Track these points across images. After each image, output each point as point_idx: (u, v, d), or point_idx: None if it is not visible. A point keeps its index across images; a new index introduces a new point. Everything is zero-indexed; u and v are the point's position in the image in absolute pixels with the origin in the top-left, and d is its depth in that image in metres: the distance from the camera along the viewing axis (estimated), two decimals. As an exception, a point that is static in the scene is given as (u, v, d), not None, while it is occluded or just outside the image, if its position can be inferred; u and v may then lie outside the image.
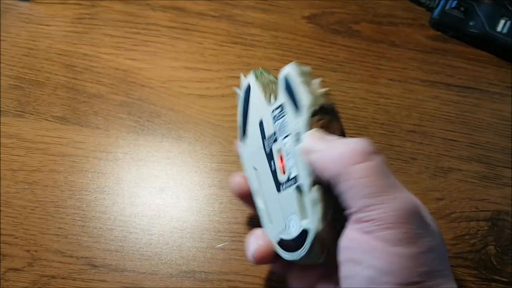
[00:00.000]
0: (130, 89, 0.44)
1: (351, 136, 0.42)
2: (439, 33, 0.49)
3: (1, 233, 0.37)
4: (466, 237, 0.39)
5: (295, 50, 0.47)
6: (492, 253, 0.39)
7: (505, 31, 0.47)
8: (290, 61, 0.46)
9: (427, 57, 0.48)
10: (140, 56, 0.45)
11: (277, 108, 0.31)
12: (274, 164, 0.30)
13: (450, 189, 0.41)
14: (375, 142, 0.43)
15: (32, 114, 0.42)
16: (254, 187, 0.32)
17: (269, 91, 0.33)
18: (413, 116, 0.44)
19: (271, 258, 0.30)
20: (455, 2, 0.48)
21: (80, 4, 0.48)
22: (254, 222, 0.39)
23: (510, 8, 0.48)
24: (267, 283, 0.37)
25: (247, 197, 0.33)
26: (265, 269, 0.37)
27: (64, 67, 0.44)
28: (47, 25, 0.46)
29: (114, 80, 0.44)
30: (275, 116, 0.31)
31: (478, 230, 0.40)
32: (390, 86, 0.46)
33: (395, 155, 0.42)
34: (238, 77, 0.45)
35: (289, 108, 0.30)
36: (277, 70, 0.45)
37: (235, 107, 0.43)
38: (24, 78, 0.44)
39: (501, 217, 0.40)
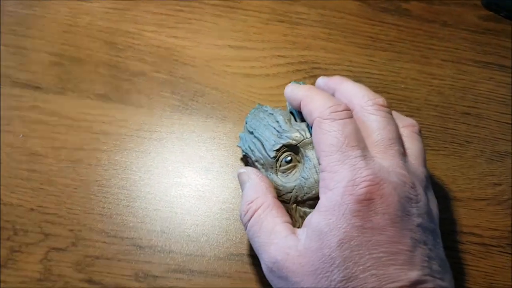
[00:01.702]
0: (173, 67, 0.42)
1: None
2: (492, 13, 0.47)
3: (45, 211, 0.36)
4: (527, 224, 0.37)
5: (343, 29, 0.45)
6: (554, 241, 0.37)
7: None
8: (337, 40, 0.44)
9: (480, 38, 0.46)
10: (183, 34, 0.44)
11: None
12: None
13: (507, 174, 0.39)
14: (428, 125, 0.41)
15: (73, 92, 0.41)
16: None
17: None
18: (468, 98, 0.42)
19: None
20: (510, -19, 0.46)
21: (120, -19, 0.46)
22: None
23: None
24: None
25: None
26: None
27: (105, 44, 0.43)
28: (88, 1, 0.45)
29: (157, 58, 0.43)
30: None
31: (539, 217, 0.38)
32: (443, 66, 0.44)
33: (450, 138, 0.41)
34: (284, 56, 0.44)
35: None
36: (324, 49, 0.44)
37: (280, 87, 0.42)
38: (64, 54, 0.43)
39: None
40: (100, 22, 0.44)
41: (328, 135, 0.29)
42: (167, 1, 0.46)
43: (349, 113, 0.30)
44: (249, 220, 0.31)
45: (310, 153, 0.33)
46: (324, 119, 0.30)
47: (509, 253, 0.36)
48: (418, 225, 0.27)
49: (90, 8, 0.45)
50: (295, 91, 0.34)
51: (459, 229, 0.37)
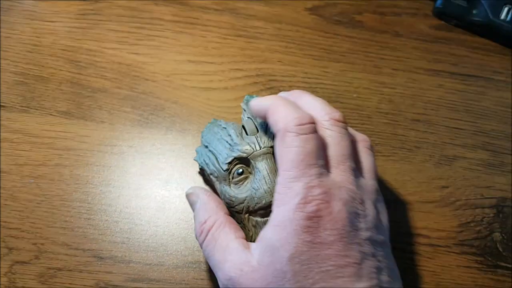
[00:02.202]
0: (134, 83, 0.44)
1: (356, 127, 0.42)
2: (443, 22, 0.49)
3: (8, 226, 0.38)
4: (472, 224, 0.39)
5: (298, 42, 0.47)
6: (498, 239, 0.39)
7: (508, 18, 0.47)
8: (293, 53, 0.46)
9: (431, 46, 0.48)
10: (144, 50, 0.46)
11: None
12: None
13: (455, 177, 0.41)
14: (379, 132, 0.43)
15: (37, 109, 0.42)
16: None
17: None
18: (418, 105, 0.44)
19: None
20: (458, -9, 0.48)
21: (83, 0, 0.48)
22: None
23: (514, -4, 0.48)
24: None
25: None
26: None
27: (68, 63, 0.45)
28: (51, 21, 0.47)
29: (118, 74, 0.44)
30: None
31: (484, 217, 0.40)
32: (394, 75, 0.46)
33: (400, 144, 0.42)
34: (241, 70, 0.45)
35: None
36: (281, 62, 0.46)
37: (238, 99, 0.43)
38: (29, 74, 0.44)
39: (506, 204, 0.40)
40: (63, 41, 0.46)
41: (290, 150, 0.30)
42: (129, 18, 0.47)
43: (312, 127, 0.31)
44: (204, 240, 0.32)
45: (259, 164, 0.35)
46: (288, 131, 0.31)
47: (456, 253, 0.38)
48: (367, 239, 0.29)
49: (54, 27, 0.46)
50: (262, 101, 0.35)
51: (408, 231, 0.39)
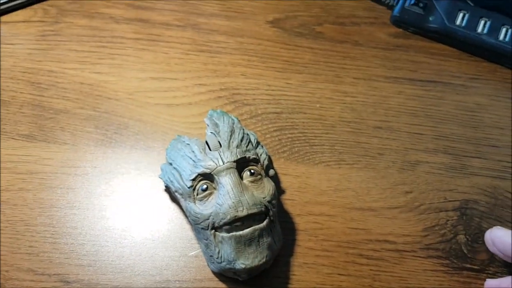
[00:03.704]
0: (97, 102, 0.44)
1: (320, 137, 0.43)
2: (401, 30, 0.50)
3: (-29, 255, 0.37)
4: (436, 228, 0.40)
5: (261, 55, 0.47)
6: (463, 241, 0.39)
7: (464, 24, 0.48)
8: (256, 66, 0.47)
9: (390, 54, 0.49)
10: (106, 69, 0.45)
11: None
12: None
13: (418, 182, 0.42)
14: (342, 140, 0.43)
15: (-2, 134, 0.42)
16: None
17: None
18: (379, 112, 0.45)
19: None
20: (414, -1, 0.49)
21: (43, 21, 0.48)
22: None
23: (468, 2, 0.49)
24: (243, 287, 0.37)
25: None
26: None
27: (29, 85, 0.44)
28: (11, 44, 0.46)
29: (80, 94, 0.44)
30: None
31: (448, 220, 0.40)
32: (355, 84, 0.46)
33: (363, 151, 0.43)
34: (205, 84, 0.46)
35: None
36: (244, 75, 0.46)
37: (202, 114, 0.43)
38: (-11, 98, 0.43)
39: (469, 206, 0.41)
40: (23, 64, 0.45)
41: None
42: (90, 37, 0.47)
43: None
44: None
45: (223, 179, 0.35)
46: None
47: (422, 257, 0.39)
48: None
49: (14, 50, 0.46)
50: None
51: (374, 238, 0.39)
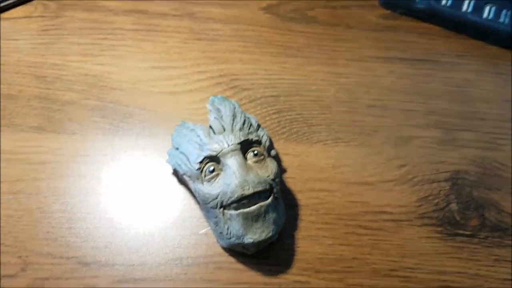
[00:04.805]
0: (102, 93, 0.45)
1: (317, 117, 0.45)
2: (390, 11, 0.52)
3: (-9, 243, 0.39)
4: (430, 198, 0.42)
5: (256, 41, 0.49)
6: (455, 209, 0.42)
7: (449, 3, 0.50)
8: (252, 52, 0.48)
9: (380, 35, 0.51)
10: (108, 60, 0.47)
11: None
12: None
13: (411, 156, 0.44)
14: (338, 120, 0.46)
15: (8, 127, 0.43)
16: None
17: None
18: (372, 91, 0.47)
19: None
20: (401, -19, 0.51)
21: (44, 16, 0.49)
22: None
23: (453, -18, 0.51)
24: (253, 261, 0.39)
25: None
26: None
27: (35, 79, 0.46)
28: (15, 40, 0.48)
29: (85, 86, 0.46)
30: None
31: (440, 190, 0.43)
32: (348, 66, 0.48)
33: (358, 129, 0.45)
34: (204, 72, 0.47)
35: None
36: (241, 61, 0.48)
37: (203, 100, 0.45)
38: (-3, 93, 0.45)
39: (460, 176, 0.44)
40: (28, 58, 0.47)
41: None
42: (91, 30, 0.49)
43: None
44: None
45: (229, 161, 0.37)
46: None
47: (417, 225, 0.41)
48: None
49: (17, 45, 0.47)
50: None
51: (371, 210, 0.42)
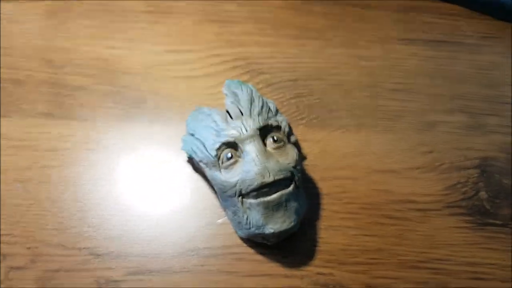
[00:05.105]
0: (113, 77, 0.44)
1: (339, 102, 0.43)
2: (412, -9, 0.50)
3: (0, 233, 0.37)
4: (458, 186, 0.40)
5: (273, 23, 0.47)
6: (484, 198, 0.40)
7: (475, -17, 0.48)
8: (269, 34, 0.46)
9: (402, 16, 0.48)
10: (119, 43, 0.45)
11: None
12: None
13: (437, 142, 0.42)
14: (361, 105, 0.43)
15: (17, 113, 0.42)
16: None
17: None
18: (395, 75, 0.45)
19: None
20: (424, -41, 0.48)
21: (50, -1, 0.47)
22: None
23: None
24: (273, 252, 0.37)
25: None
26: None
27: (43, 63, 0.44)
28: (20, 22, 0.46)
29: (96, 70, 0.44)
30: None
31: (468, 178, 0.41)
32: (370, 48, 0.46)
33: (381, 114, 0.43)
34: (219, 55, 0.45)
35: None
36: (258, 44, 0.46)
37: (219, 85, 0.43)
38: (4, 78, 0.43)
39: (488, 163, 0.41)
40: (34, 41, 0.45)
41: None
42: (100, 12, 0.47)
43: None
44: None
45: (248, 147, 0.35)
46: None
47: (445, 215, 0.39)
48: None
49: (23, 28, 0.45)
50: None
51: (396, 198, 0.40)
